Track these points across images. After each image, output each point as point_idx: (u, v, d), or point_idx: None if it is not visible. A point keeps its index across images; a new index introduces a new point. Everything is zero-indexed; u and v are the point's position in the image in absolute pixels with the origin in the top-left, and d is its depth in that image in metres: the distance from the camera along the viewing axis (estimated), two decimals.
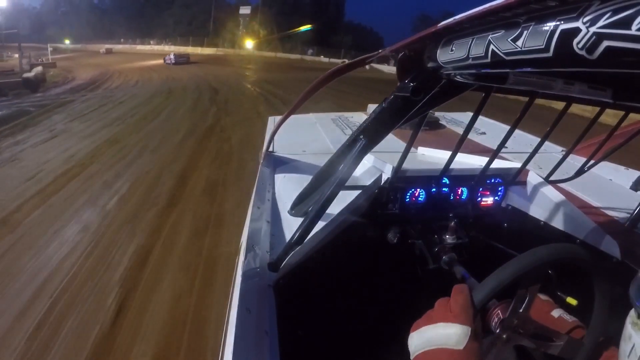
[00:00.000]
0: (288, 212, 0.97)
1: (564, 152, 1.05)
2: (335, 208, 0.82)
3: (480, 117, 0.77)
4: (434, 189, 1.00)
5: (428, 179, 0.99)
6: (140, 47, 45.34)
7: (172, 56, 24.39)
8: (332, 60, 17.96)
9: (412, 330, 0.52)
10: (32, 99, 9.92)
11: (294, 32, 36.56)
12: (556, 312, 0.69)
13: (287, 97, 10.40)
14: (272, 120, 2.17)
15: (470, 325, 0.47)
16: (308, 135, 1.75)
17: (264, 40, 38.76)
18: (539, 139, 0.93)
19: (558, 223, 0.92)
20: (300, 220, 0.76)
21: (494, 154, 0.91)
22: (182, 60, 24.40)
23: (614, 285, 0.56)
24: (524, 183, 1.03)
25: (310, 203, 0.94)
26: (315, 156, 1.38)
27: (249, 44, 38.19)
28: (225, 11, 43.64)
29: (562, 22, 0.30)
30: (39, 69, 14.09)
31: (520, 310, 0.56)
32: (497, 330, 0.56)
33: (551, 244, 0.54)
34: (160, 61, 24.72)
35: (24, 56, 16.72)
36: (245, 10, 41.81)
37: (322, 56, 32.31)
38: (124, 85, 13.10)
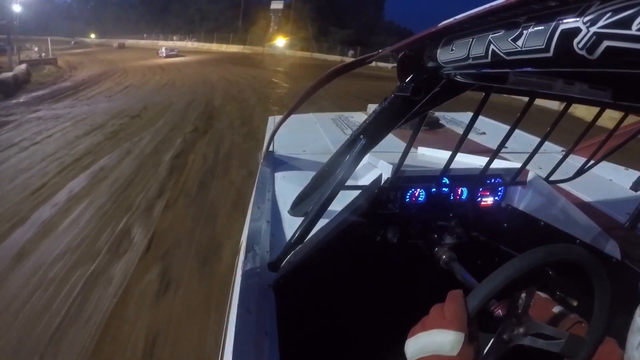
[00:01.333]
0: (288, 212, 0.97)
1: (564, 152, 1.05)
2: (335, 208, 0.82)
3: (480, 117, 0.77)
4: (434, 189, 1.00)
5: (428, 179, 0.99)
6: (162, 43, 42.22)
7: (163, 50, 26.93)
8: (380, 64, 12.87)
9: (409, 337, 0.53)
10: None
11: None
12: (556, 309, 0.70)
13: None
14: (272, 120, 2.17)
15: (464, 331, 0.48)
16: (308, 135, 1.75)
17: (297, 38, 33.51)
18: (539, 139, 0.93)
19: (558, 223, 0.92)
20: (300, 220, 0.76)
21: (494, 154, 0.91)
22: (172, 53, 26.53)
23: (614, 284, 0.56)
24: (524, 183, 1.03)
25: (310, 203, 0.94)
26: (315, 156, 1.38)
27: (280, 41, 33.17)
28: (256, 6, 40.53)
29: (562, 22, 0.30)
30: (22, 67, 12.54)
31: (520, 311, 0.56)
32: (497, 331, 0.56)
33: (546, 246, 0.54)
34: (175, 59, 23.12)
35: (24, 50, 16.02)
36: (277, 4, 37.02)
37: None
38: (111, 91, 10.58)
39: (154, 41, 44.82)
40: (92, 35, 56.51)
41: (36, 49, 21.74)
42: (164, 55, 25.65)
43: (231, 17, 40.87)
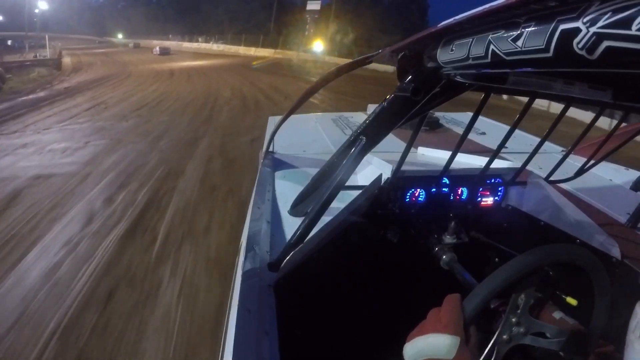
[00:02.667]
0: (288, 212, 0.97)
1: (564, 152, 1.05)
2: (335, 208, 0.82)
3: (480, 117, 0.77)
4: (434, 189, 1.00)
5: (428, 179, 0.99)
6: (187, 45, 41.37)
7: (157, 49, 28.52)
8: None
9: (407, 341, 0.53)
10: None
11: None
12: (557, 314, 0.70)
13: None
14: (272, 121, 2.17)
15: (460, 335, 0.48)
16: (308, 135, 1.75)
17: (337, 43, 27.25)
18: (539, 139, 0.93)
19: (558, 223, 0.92)
20: (300, 220, 0.76)
21: (494, 154, 0.91)
22: (165, 52, 28.08)
23: (614, 284, 0.56)
24: (524, 183, 1.03)
25: (310, 203, 0.94)
26: (315, 156, 1.38)
27: (318, 45, 26.96)
28: (290, 8, 37.52)
29: (562, 22, 0.30)
30: None
31: (519, 311, 0.56)
32: (497, 331, 0.56)
33: (541, 247, 0.54)
34: (192, 63, 20.41)
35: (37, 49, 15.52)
36: (314, 5, 32.50)
37: None
38: (79, 108, 7.89)
39: (179, 42, 43.67)
40: (120, 36, 57.23)
41: (46, 51, 21.29)
42: (158, 53, 27.52)
43: (262, 19, 37.84)
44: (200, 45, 39.84)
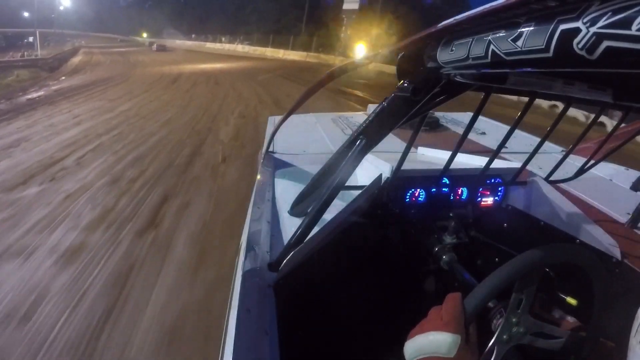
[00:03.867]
0: (288, 212, 0.97)
1: (564, 152, 1.05)
2: (335, 208, 0.82)
3: (480, 117, 0.77)
4: (434, 189, 1.00)
5: (428, 179, 0.99)
6: (209, 45, 38.77)
7: (155, 46, 29.97)
8: None
9: (407, 339, 0.53)
10: None
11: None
12: (557, 314, 0.70)
13: None
14: (272, 120, 2.17)
15: (461, 333, 0.48)
16: (308, 135, 1.75)
17: (379, 46, 20.38)
18: (539, 139, 0.93)
19: (558, 223, 0.92)
20: (300, 220, 0.76)
21: (494, 154, 0.91)
22: (162, 48, 29.31)
23: (614, 284, 0.56)
24: (524, 183, 1.03)
25: (310, 203, 0.94)
26: (315, 156, 1.38)
27: (361, 49, 22.59)
28: (323, 7, 33.78)
29: (562, 22, 0.30)
30: None
31: (519, 311, 0.56)
32: (497, 331, 0.56)
33: (544, 246, 0.54)
34: (207, 65, 18.07)
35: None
36: (351, 5, 28.69)
37: None
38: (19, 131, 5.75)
39: (201, 42, 41.60)
40: (144, 35, 57.26)
41: (40, 50, 21.08)
42: (155, 49, 29.44)
43: (293, 19, 34.13)
44: (224, 45, 36.99)
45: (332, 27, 28.90)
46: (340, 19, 29.70)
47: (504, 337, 0.56)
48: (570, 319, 0.67)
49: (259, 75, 13.65)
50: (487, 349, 0.54)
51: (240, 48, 33.18)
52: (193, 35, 46.51)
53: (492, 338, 0.56)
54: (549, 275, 0.86)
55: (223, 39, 39.82)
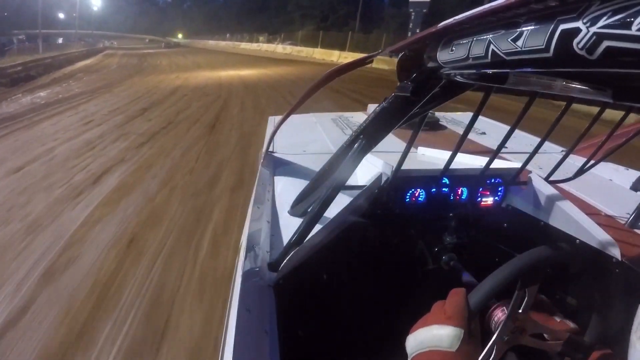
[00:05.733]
0: (288, 212, 0.97)
1: (564, 152, 1.05)
2: (335, 208, 0.82)
3: (480, 117, 0.77)
4: (434, 189, 1.00)
5: (428, 179, 0.99)
6: (244, 45, 33.96)
7: (163, 44, 29.23)
8: None
9: (410, 333, 0.53)
10: None
11: None
12: (558, 317, 0.70)
13: None
14: (272, 120, 2.17)
15: (463, 327, 0.48)
16: (308, 135, 1.75)
17: None
18: (539, 139, 0.93)
19: (558, 223, 0.92)
20: (300, 220, 0.76)
21: (494, 154, 0.91)
22: (172, 45, 28.05)
23: (614, 285, 0.56)
24: (524, 183, 1.03)
25: (310, 203, 0.94)
26: (315, 156, 1.38)
27: None
28: (381, 1, 29.54)
29: (562, 22, 0.30)
30: None
31: (520, 311, 0.56)
32: (497, 331, 0.56)
33: (547, 245, 0.54)
34: (232, 72, 13.83)
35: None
36: None
37: None
38: None
39: (235, 42, 37.80)
40: (180, 35, 56.81)
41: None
42: (163, 47, 28.41)
43: (343, 16, 29.53)
44: (261, 46, 30.92)
45: (392, 24, 24.95)
46: (405, 14, 23.53)
47: (504, 336, 0.56)
48: (570, 322, 0.67)
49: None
50: (486, 348, 0.54)
51: (280, 48, 27.15)
52: (228, 35, 43.00)
53: (492, 337, 0.56)
54: (549, 275, 0.86)
55: (261, 38, 33.94)
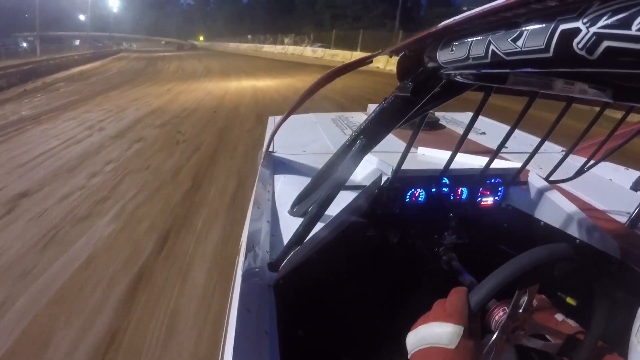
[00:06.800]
0: (288, 212, 0.97)
1: (564, 152, 1.05)
2: (335, 208, 0.82)
3: (480, 117, 0.77)
4: (434, 189, 1.00)
5: (428, 179, 0.99)
6: (267, 48, 29.96)
7: (163, 42, 29.32)
8: None
9: (410, 331, 0.53)
10: None
11: None
12: (559, 316, 0.70)
13: None
14: (272, 120, 2.17)
15: (464, 325, 0.48)
16: (308, 135, 1.75)
17: None
18: (539, 139, 0.93)
19: (558, 223, 0.92)
20: (300, 220, 0.76)
21: (494, 154, 0.91)
22: (186, 47, 27.33)
23: (614, 284, 0.56)
24: (524, 183, 1.03)
25: (310, 203, 0.94)
26: (315, 156, 1.38)
27: None
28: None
29: (562, 22, 0.30)
30: None
31: (520, 311, 0.56)
32: (497, 331, 0.56)
33: (550, 244, 0.54)
34: (246, 82, 10.65)
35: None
36: None
37: None
38: None
39: (257, 45, 33.59)
40: (201, 38, 55.95)
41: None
42: (175, 48, 27.48)
43: (379, 16, 26.51)
44: (287, 48, 26.17)
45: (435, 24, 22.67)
46: (452, 14, 22.24)
47: (504, 336, 0.56)
48: (571, 321, 0.67)
49: None
50: (486, 348, 0.54)
51: (309, 51, 22.11)
52: (249, 37, 38.64)
53: (491, 337, 0.56)
54: (549, 275, 0.86)
55: (286, 39, 29.21)
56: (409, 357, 0.51)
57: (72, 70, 16.59)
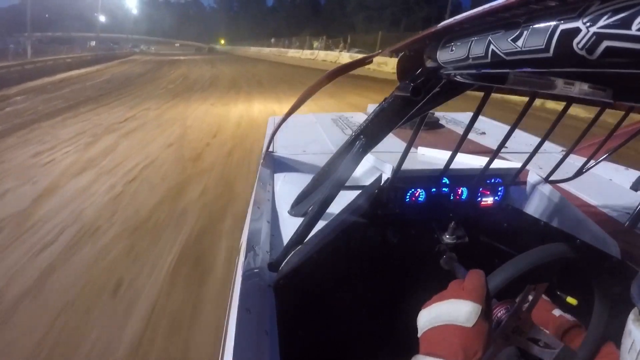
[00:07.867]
0: (288, 212, 0.97)
1: (564, 152, 1.05)
2: (335, 208, 0.82)
3: (480, 117, 0.77)
4: (434, 189, 1.00)
5: (428, 179, 0.99)
6: (293, 53, 26.07)
7: (194, 50, 28.93)
8: None
9: (422, 309, 0.51)
10: None
11: None
12: (556, 312, 0.70)
13: None
14: (272, 121, 2.18)
15: (482, 304, 0.46)
16: (308, 135, 1.75)
17: None
18: (539, 139, 0.93)
19: (558, 223, 0.92)
20: (300, 220, 0.76)
21: (494, 154, 0.91)
22: (203, 50, 26.81)
23: (614, 285, 0.56)
24: (524, 183, 1.03)
25: (310, 203, 0.94)
26: (315, 156, 1.38)
27: None
28: None
29: (562, 22, 0.30)
30: None
31: (524, 309, 0.56)
32: (498, 330, 0.56)
33: (568, 242, 0.54)
34: (265, 105, 7.42)
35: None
36: None
37: None
38: None
39: (280, 49, 30.54)
40: (222, 42, 55.60)
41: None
42: (193, 52, 26.55)
43: (422, 19, 23.72)
44: (317, 53, 22.06)
45: None
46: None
47: (504, 336, 0.56)
48: (570, 318, 0.67)
49: None
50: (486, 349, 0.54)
51: (347, 58, 17.28)
52: (272, 40, 35.02)
53: (493, 335, 0.56)
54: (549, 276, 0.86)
55: (315, 43, 25.41)
56: (419, 336, 0.49)
57: (56, 77, 13.78)
